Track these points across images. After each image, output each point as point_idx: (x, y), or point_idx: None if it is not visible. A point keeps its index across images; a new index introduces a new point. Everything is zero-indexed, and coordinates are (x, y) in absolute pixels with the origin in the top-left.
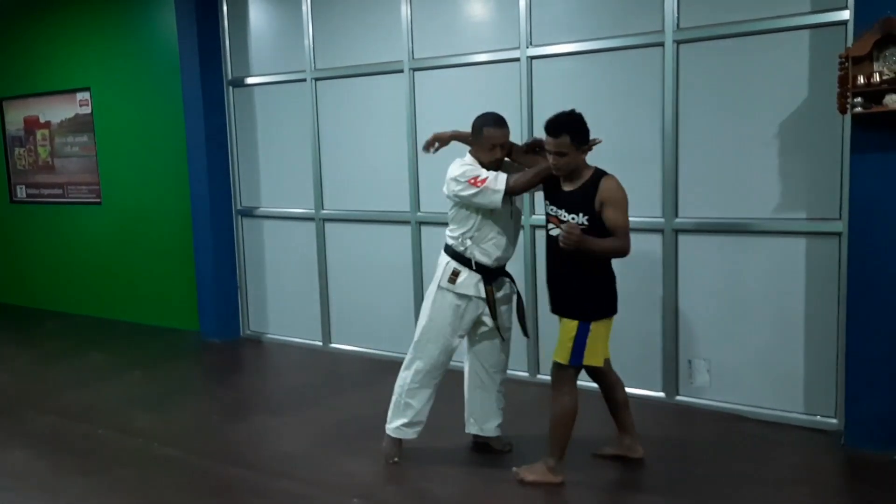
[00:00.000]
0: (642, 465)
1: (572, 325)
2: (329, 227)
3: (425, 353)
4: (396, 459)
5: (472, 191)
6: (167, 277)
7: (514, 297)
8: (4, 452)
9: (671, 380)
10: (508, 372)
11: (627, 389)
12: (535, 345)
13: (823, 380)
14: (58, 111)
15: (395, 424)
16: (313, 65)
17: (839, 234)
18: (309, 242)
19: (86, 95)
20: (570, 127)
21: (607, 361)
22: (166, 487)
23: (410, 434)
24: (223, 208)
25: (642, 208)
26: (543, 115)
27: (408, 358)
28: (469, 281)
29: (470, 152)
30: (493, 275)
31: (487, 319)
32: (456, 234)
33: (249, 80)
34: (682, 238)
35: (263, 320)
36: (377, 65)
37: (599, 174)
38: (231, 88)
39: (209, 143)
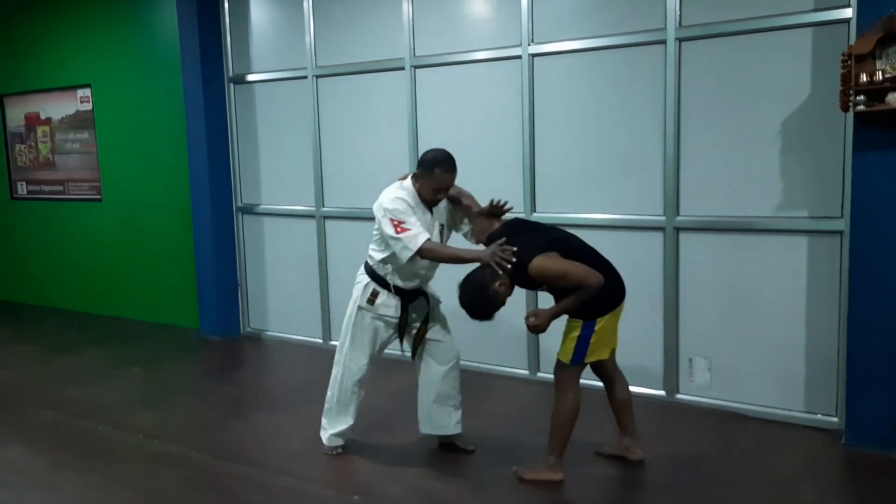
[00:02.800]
0: (642, 463)
1: (577, 325)
2: (329, 224)
3: (347, 368)
4: (339, 451)
5: (391, 232)
6: (167, 274)
7: (437, 307)
8: (4, 448)
9: (672, 378)
10: (509, 370)
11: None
12: (535, 343)
13: (824, 378)
14: (59, 108)
15: (328, 433)
16: (314, 62)
17: (841, 233)
18: (309, 240)
19: (87, 92)
20: (478, 314)
21: (613, 359)
22: (166, 483)
23: (338, 441)
24: (224, 205)
25: (643, 207)
26: (545, 113)
27: (333, 370)
28: (389, 302)
29: (413, 180)
30: (412, 296)
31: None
32: (378, 256)
33: (250, 78)
34: (683, 236)
35: (263, 318)
36: (378, 62)
37: (524, 263)
38: (232, 85)
39: (210, 141)
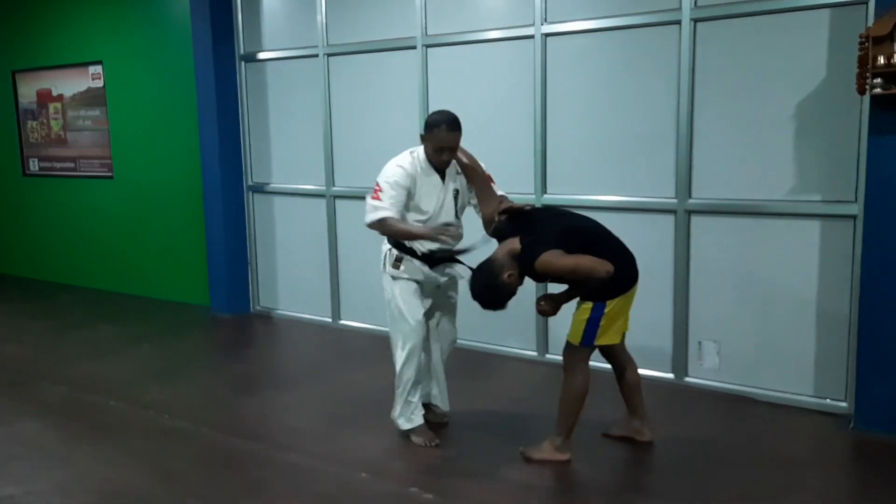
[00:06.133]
0: (650, 445)
1: (587, 307)
2: (340, 204)
3: (403, 336)
4: (437, 442)
5: (368, 198)
6: (178, 252)
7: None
8: (17, 421)
9: (681, 361)
10: (517, 351)
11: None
12: (544, 324)
13: (834, 363)
14: (70, 84)
15: (402, 422)
16: (326, 40)
17: (854, 217)
18: (319, 219)
19: (98, 69)
20: (490, 304)
21: (622, 342)
22: (176, 458)
23: (418, 420)
24: (234, 184)
25: (655, 189)
26: (557, 93)
27: (394, 346)
28: (412, 266)
29: (421, 142)
30: (435, 261)
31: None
32: None
33: (262, 56)
34: (694, 219)
35: (273, 296)
36: (390, 41)
37: (532, 258)
38: (243, 63)
39: (221, 119)
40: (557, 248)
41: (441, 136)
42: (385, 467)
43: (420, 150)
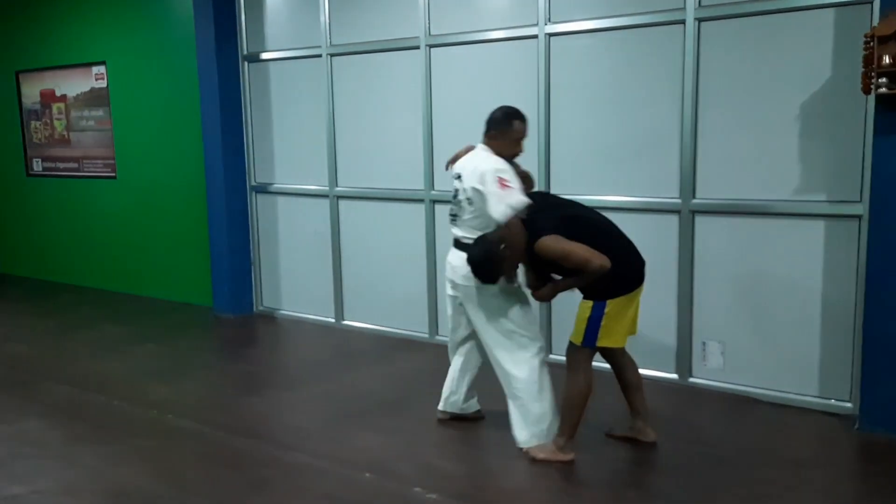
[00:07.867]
0: (654, 445)
1: (587, 306)
2: (343, 204)
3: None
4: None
5: (495, 190)
6: (181, 252)
7: None
8: (21, 421)
9: (685, 361)
10: None
11: (640, 370)
12: (547, 325)
13: (839, 363)
14: (73, 85)
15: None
16: (329, 40)
17: (859, 217)
18: (323, 219)
19: (101, 69)
20: (485, 271)
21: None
22: (180, 458)
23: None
24: (237, 184)
25: (659, 189)
26: (561, 93)
27: (523, 358)
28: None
29: (488, 144)
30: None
31: None
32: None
33: (265, 56)
34: (699, 219)
35: (277, 296)
36: (393, 41)
37: (533, 240)
38: (246, 64)
39: (224, 119)
40: (557, 233)
41: (520, 126)
42: (389, 467)
43: (488, 153)
